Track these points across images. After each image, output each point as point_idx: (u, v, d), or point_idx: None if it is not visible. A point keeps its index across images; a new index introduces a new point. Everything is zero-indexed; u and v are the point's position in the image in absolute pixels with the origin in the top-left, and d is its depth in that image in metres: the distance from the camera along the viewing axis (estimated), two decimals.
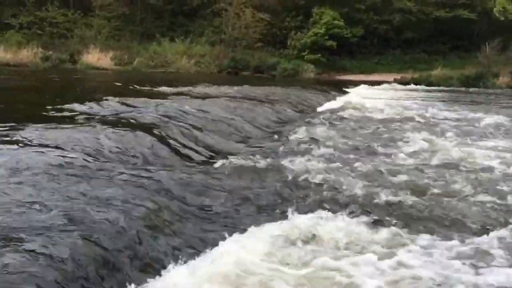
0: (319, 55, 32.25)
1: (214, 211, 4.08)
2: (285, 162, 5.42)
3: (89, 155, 4.78)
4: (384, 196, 4.41)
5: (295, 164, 5.32)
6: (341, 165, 5.41)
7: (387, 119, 9.63)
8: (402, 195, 4.50)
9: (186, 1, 35.09)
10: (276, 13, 34.75)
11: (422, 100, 16.33)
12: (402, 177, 5.10)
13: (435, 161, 5.89)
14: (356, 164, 5.52)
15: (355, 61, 36.15)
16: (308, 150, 6.19)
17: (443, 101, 16.76)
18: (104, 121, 6.47)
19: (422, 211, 4.13)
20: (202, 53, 31.18)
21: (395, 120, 9.51)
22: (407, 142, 7.06)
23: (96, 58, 29.66)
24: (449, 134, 8.04)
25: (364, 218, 3.91)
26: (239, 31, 32.14)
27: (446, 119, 10.40)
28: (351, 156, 5.98)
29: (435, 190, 4.72)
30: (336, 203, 4.29)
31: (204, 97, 11.05)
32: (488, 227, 3.83)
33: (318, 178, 4.88)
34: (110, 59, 29.80)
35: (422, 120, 9.74)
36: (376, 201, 4.33)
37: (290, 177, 4.92)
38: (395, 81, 29.70)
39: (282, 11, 35.20)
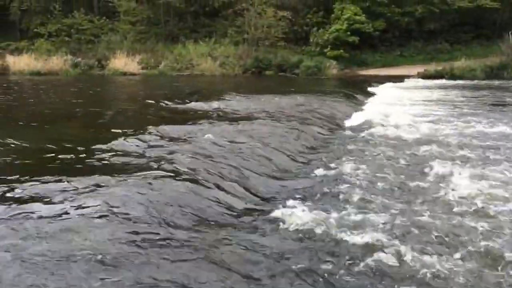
0: (341, 50, 31.90)
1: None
2: (329, 214, 5.22)
3: (146, 223, 4.69)
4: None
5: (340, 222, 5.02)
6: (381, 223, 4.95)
7: (423, 141, 9.14)
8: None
9: (208, 1, 35.02)
10: (297, 10, 34.44)
11: (455, 105, 15.54)
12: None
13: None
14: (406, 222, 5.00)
15: (377, 54, 35.68)
16: (347, 196, 5.94)
17: (481, 103, 16.06)
18: (148, 167, 6.38)
19: None
20: (226, 54, 31.09)
21: (434, 142, 8.95)
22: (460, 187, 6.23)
23: (123, 62, 29.83)
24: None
25: None
26: (262, 31, 31.96)
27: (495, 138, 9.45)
28: (403, 207, 5.51)
29: None
30: None
31: (234, 118, 10.95)
32: None
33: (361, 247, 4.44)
34: (137, 63, 29.96)
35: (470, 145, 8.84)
36: None
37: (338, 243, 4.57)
38: (419, 75, 29.22)
39: (303, 8, 34.87)
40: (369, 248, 4.36)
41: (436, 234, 4.67)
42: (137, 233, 4.55)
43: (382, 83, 23.62)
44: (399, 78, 26.52)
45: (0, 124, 10.43)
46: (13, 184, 5.39)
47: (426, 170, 7.13)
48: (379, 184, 6.47)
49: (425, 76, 28.78)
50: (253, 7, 32.32)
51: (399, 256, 4.17)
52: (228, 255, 4.27)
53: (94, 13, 35.78)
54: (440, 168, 7.07)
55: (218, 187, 6.09)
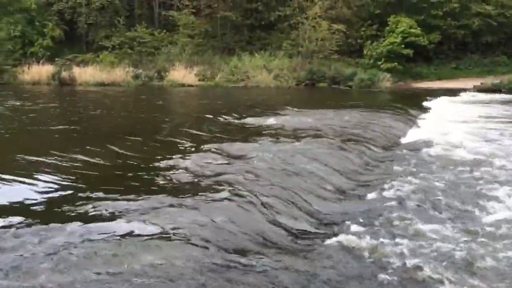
0: (395, 63, 31.27)
1: None
2: (387, 241, 5.05)
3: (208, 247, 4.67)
4: None
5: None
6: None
7: (486, 162, 8.64)
8: None
9: (264, 15, 35.20)
10: (351, 23, 34.10)
11: None
12: None
13: None
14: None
15: (432, 67, 34.81)
16: (405, 221, 5.72)
17: None
18: (206, 188, 6.38)
19: None
20: (280, 66, 31.12)
21: (498, 163, 8.51)
22: None
23: (181, 74, 30.44)
24: None
25: None
26: (316, 44, 31.79)
27: None
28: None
29: None
30: None
31: (289, 135, 10.85)
32: None
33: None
34: (195, 75, 30.42)
35: None
36: None
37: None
38: (475, 88, 28.25)
39: (357, 21, 34.51)
40: (430, 281, 4.15)
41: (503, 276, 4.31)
42: (199, 255, 4.53)
43: (437, 97, 22.91)
44: (454, 92, 25.72)
45: (67, 138, 10.73)
46: (84, 201, 5.47)
47: (493, 195, 6.72)
48: (442, 207, 6.19)
49: (481, 89, 27.77)
50: (307, 21, 32.22)
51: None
52: (291, 280, 4.19)
53: (155, 27, 36.63)
54: (507, 193, 6.70)
55: (276, 208, 6.01)
